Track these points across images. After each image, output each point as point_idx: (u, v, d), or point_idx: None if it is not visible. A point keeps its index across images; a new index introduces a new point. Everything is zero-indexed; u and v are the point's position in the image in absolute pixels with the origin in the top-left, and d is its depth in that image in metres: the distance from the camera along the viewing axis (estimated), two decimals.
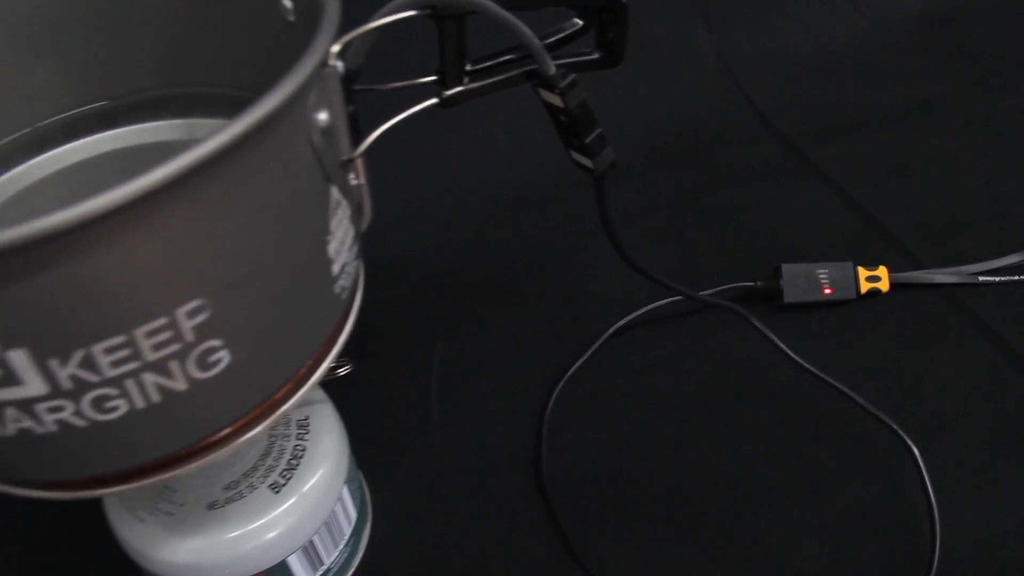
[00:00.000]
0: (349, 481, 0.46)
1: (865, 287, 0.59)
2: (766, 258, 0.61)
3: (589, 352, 0.56)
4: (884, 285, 0.60)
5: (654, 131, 0.73)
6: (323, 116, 0.29)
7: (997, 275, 0.62)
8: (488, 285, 0.63)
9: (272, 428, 0.37)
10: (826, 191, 0.68)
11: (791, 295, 0.58)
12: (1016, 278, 0.62)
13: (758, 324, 0.51)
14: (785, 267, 0.58)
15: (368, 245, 0.67)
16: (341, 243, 0.32)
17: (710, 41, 0.80)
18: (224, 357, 0.29)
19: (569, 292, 0.61)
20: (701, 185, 0.69)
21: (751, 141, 0.72)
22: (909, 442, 0.48)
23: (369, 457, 0.52)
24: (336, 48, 0.30)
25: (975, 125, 0.75)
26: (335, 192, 0.31)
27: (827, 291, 0.58)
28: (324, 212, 0.31)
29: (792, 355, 0.51)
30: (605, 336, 0.57)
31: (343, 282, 0.33)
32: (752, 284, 0.58)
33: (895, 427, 0.48)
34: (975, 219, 0.66)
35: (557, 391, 0.55)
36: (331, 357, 0.34)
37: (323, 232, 0.31)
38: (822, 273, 0.58)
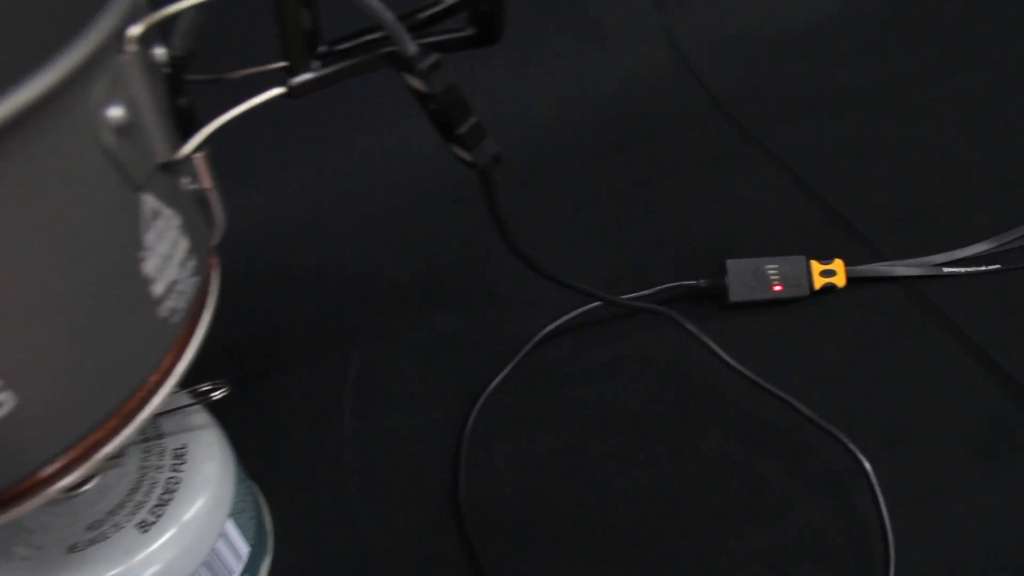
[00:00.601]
0: (237, 513, 0.41)
1: (819, 282, 0.55)
2: (714, 253, 0.57)
3: (514, 362, 0.52)
4: (840, 280, 0.55)
5: (597, 118, 0.69)
6: (117, 112, 0.24)
7: (964, 266, 0.58)
8: (411, 289, 0.58)
9: (113, 464, 0.32)
10: (781, 179, 0.63)
11: (737, 294, 0.53)
12: (984, 268, 0.57)
13: (692, 328, 0.46)
14: (730, 263, 0.54)
15: (279, 252, 0.63)
16: (165, 259, 0.28)
17: (659, 20, 0.75)
18: (8, 399, 0.24)
19: (497, 295, 0.57)
20: (646, 175, 0.64)
21: (701, 127, 0.68)
22: (861, 457, 0.44)
23: (273, 482, 0.48)
24: (137, 31, 0.25)
25: (943, 104, 0.70)
26: (150, 200, 0.27)
27: (777, 288, 0.54)
28: (132, 225, 0.26)
29: (731, 362, 0.46)
30: (531, 344, 0.52)
31: (172, 303, 0.28)
32: (695, 283, 0.54)
33: (845, 440, 0.44)
34: (941, 205, 0.62)
35: (479, 405, 0.51)
36: (169, 386, 0.30)
37: (133, 248, 0.26)
38: (771, 268, 0.54)
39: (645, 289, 0.54)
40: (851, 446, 0.44)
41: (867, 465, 0.44)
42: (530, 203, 0.63)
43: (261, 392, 0.53)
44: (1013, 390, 0.51)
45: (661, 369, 0.52)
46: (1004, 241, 0.60)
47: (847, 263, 0.57)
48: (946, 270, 0.57)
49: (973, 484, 0.46)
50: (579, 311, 0.53)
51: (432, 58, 0.30)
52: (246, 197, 0.63)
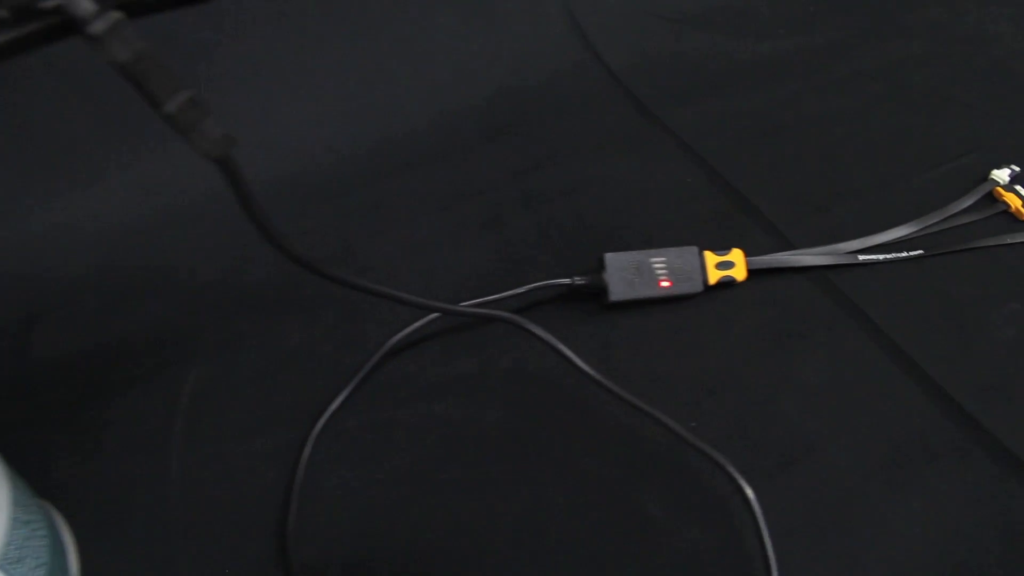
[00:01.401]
0: (11, 563, 0.34)
1: (715, 276, 0.48)
2: (602, 246, 0.49)
3: (356, 379, 0.45)
4: (739, 272, 0.48)
5: (486, 100, 0.62)
6: None
7: (882, 252, 0.51)
8: (260, 296, 0.51)
9: None
10: (682, 161, 0.57)
11: (617, 292, 0.46)
12: (906, 255, 0.51)
13: (544, 336, 0.39)
14: (609, 257, 0.47)
15: (117, 258, 0.56)
16: None
17: None
18: None
19: (352, 300, 0.49)
20: (533, 161, 0.57)
21: (599, 107, 0.61)
22: (742, 482, 0.37)
23: (88, 519, 0.41)
24: None
25: (865, 77, 0.64)
26: None
27: (665, 284, 0.47)
28: None
29: (592, 373, 0.39)
30: (376, 358, 0.45)
31: None
32: (569, 281, 0.47)
33: (723, 463, 0.37)
34: (859, 187, 0.55)
35: (317, 428, 0.43)
36: None
37: None
38: (658, 262, 0.47)
39: (518, 288, 0.47)
40: (730, 469, 0.37)
41: (749, 492, 0.37)
42: (401, 196, 0.56)
43: (87, 416, 0.46)
44: (934, 395, 0.44)
45: (526, 381, 0.45)
46: (928, 224, 0.53)
47: (748, 253, 0.49)
48: (862, 258, 0.50)
49: (879, 507, 0.39)
50: (422, 321, 0.46)
51: (111, 19, 0.23)
52: (83, 199, 0.56)
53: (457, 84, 0.63)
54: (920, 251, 0.51)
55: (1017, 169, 0.56)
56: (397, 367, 0.46)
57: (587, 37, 0.65)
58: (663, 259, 0.47)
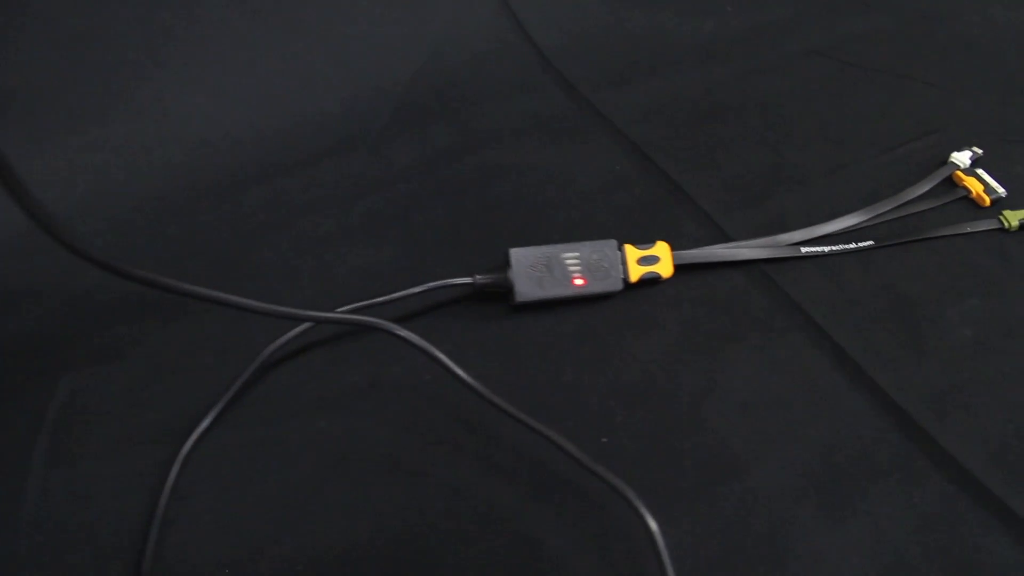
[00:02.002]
0: None
1: (637, 272, 0.42)
2: (517, 239, 0.44)
3: (231, 392, 0.39)
4: (665, 268, 0.43)
5: (404, 85, 0.57)
6: None
7: (827, 244, 0.45)
8: (140, 301, 0.45)
9: None
10: (611, 147, 0.51)
11: (525, 291, 0.41)
12: (854, 246, 0.45)
13: (421, 345, 0.34)
14: (515, 253, 0.41)
15: None
16: None
17: None
18: None
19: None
20: (452, 149, 0.52)
21: (525, 90, 0.55)
22: (644, 513, 0.31)
23: None
24: None
25: (816, 56, 0.58)
26: None
27: (579, 282, 0.41)
28: None
29: (480, 389, 0.34)
30: (252, 368, 0.39)
31: None
32: (470, 280, 0.41)
33: (622, 490, 0.31)
34: (805, 173, 0.50)
35: (187, 447, 0.38)
36: None
37: None
38: (571, 258, 0.41)
39: (417, 287, 0.41)
40: (631, 497, 0.31)
41: (652, 524, 0.31)
42: (305, 188, 0.51)
43: None
44: (881, 404, 0.38)
45: (419, 394, 0.39)
46: (880, 212, 0.48)
47: (677, 246, 0.44)
48: (805, 251, 0.45)
49: (812, 535, 0.35)
50: (299, 329, 0.40)
51: None
52: None
53: (374, 68, 0.57)
54: (870, 242, 0.46)
55: (979, 151, 0.50)
56: (280, 379, 0.41)
57: (517, 16, 0.60)
58: (576, 254, 0.42)
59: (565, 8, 0.60)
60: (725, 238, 0.46)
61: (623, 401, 0.39)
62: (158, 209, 0.50)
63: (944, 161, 0.51)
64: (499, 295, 0.43)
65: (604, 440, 0.38)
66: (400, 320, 0.43)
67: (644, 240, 0.44)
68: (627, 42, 0.59)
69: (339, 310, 0.40)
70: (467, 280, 0.42)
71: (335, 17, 0.58)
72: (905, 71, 0.57)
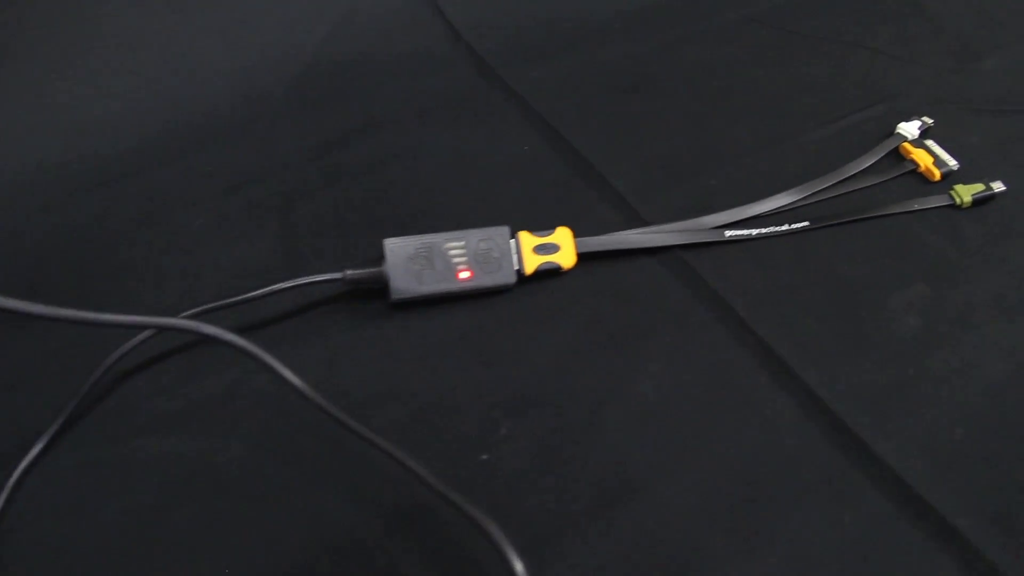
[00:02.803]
0: None
1: (533, 263, 0.36)
2: (405, 229, 0.38)
3: (68, 409, 0.33)
4: (566, 257, 0.37)
5: (302, 67, 0.51)
6: None
7: (756, 226, 0.39)
8: None
9: None
10: (521, 126, 0.46)
11: (402, 287, 0.35)
12: (786, 228, 0.39)
13: (254, 352, 0.28)
14: (391, 244, 0.35)
15: None
16: None
17: None
18: None
19: (108, 300, 0.38)
20: (346, 133, 0.47)
21: (434, 67, 0.50)
22: (508, 552, 0.25)
23: None
24: None
25: (754, 23, 0.52)
26: None
27: (465, 275, 0.35)
28: None
29: (321, 402, 0.28)
30: (91, 381, 0.34)
31: None
32: (340, 275, 0.35)
33: (484, 524, 0.25)
34: (735, 148, 0.44)
35: (18, 472, 0.32)
36: None
37: None
38: (455, 248, 0.35)
39: (276, 285, 0.36)
40: (493, 533, 0.25)
41: (517, 567, 0.25)
42: (185, 180, 0.45)
43: None
44: (810, 407, 0.33)
45: (280, 407, 0.34)
46: (817, 189, 0.42)
47: (586, 232, 0.38)
48: (729, 234, 0.39)
49: (724, 563, 0.29)
50: (141, 337, 0.34)
51: None
52: None
53: (269, 48, 0.51)
54: (805, 223, 0.40)
55: (929, 122, 0.45)
56: (130, 391, 0.35)
57: None
58: (462, 243, 0.36)
59: None
60: (641, 222, 0.40)
61: (510, 411, 0.33)
62: (25, 204, 0.44)
63: (891, 133, 0.45)
64: (378, 292, 0.37)
65: (484, 457, 0.32)
66: (270, 321, 0.38)
67: (547, 226, 0.38)
68: (548, 14, 0.53)
69: (184, 314, 0.34)
70: (336, 275, 0.36)
71: (228, 3, 0.52)
72: (852, 38, 0.51)
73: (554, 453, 0.32)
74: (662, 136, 0.45)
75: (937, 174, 0.43)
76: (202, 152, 0.47)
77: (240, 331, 0.37)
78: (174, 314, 0.36)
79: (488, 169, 0.44)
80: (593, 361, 0.35)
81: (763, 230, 0.40)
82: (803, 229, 0.40)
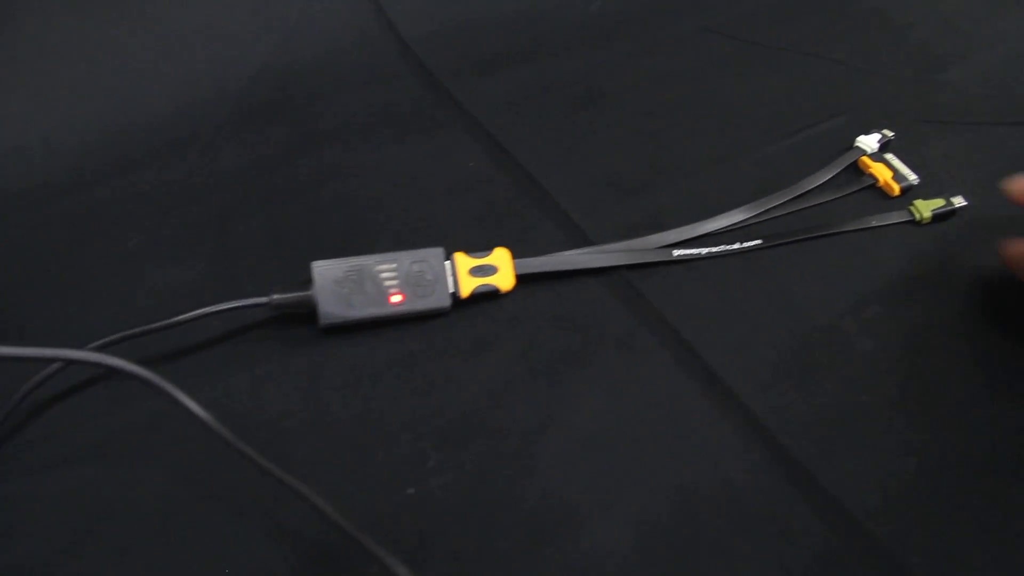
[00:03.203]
0: None
1: (469, 285, 0.35)
2: (341, 250, 0.36)
3: None
4: (504, 279, 0.35)
5: (248, 81, 0.50)
6: None
7: (705, 246, 0.37)
8: None
9: None
10: (467, 142, 0.44)
11: (330, 312, 0.33)
12: (738, 247, 0.37)
13: (157, 381, 0.26)
14: (319, 267, 0.34)
15: None
16: None
17: None
18: None
19: (34, 323, 0.36)
20: (288, 149, 0.45)
21: (382, 82, 0.48)
22: None
23: None
24: None
25: (712, 34, 0.51)
26: None
27: (396, 299, 0.33)
28: None
29: (225, 435, 0.26)
30: (9, 407, 0.32)
31: None
32: (266, 300, 0.33)
33: (391, 564, 0.24)
34: (689, 163, 0.43)
35: None
36: None
37: None
38: (387, 271, 0.33)
39: (203, 308, 0.34)
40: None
41: None
42: (122, 198, 0.44)
43: None
44: (755, 437, 0.31)
45: (202, 437, 0.31)
46: (772, 206, 0.40)
47: (527, 252, 0.36)
48: (677, 253, 0.37)
49: None
50: (49, 371, 0.33)
51: None
52: None
53: (215, 62, 0.50)
54: (757, 241, 0.38)
55: (889, 135, 0.43)
56: (48, 422, 0.33)
57: (380, 3, 0.52)
58: (394, 266, 0.34)
59: None
60: (586, 241, 0.38)
61: (440, 441, 0.32)
62: None
63: (849, 146, 0.43)
64: (308, 316, 0.35)
65: (411, 491, 0.30)
66: (198, 347, 0.36)
67: (489, 246, 0.36)
68: (501, 27, 0.51)
69: (108, 339, 0.33)
70: (262, 300, 0.34)
71: (173, 6, 0.50)
72: (811, 48, 0.50)
73: (484, 487, 0.30)
74: (612, 151, 0.43)
75: (896, 189, 0.41)
76: (141, 169, 0.45)
77: (166, 357, 0.36)
78: (103, 337, 0.34)
79: (432, 187, 0.42)
80: (529, 389, 0.33)
81: (713, 249, 0.38)
82: (755, 248, 0.38)
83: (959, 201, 0.40)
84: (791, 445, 0.32)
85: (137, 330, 0.33)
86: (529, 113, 0.45)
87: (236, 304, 0.34)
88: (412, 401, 0.33)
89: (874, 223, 0.40)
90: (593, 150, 0.43)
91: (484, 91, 0.47)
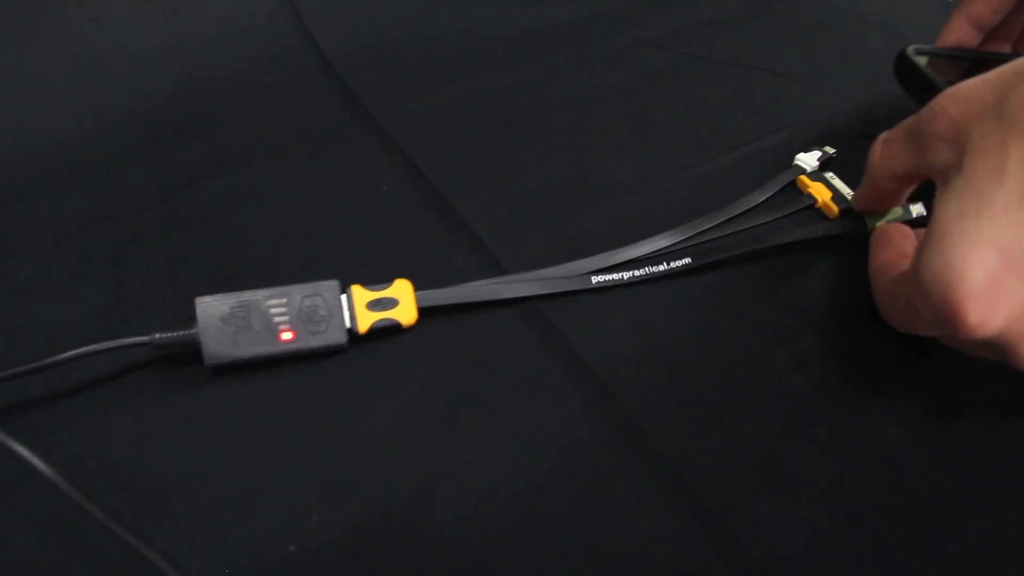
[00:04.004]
0: None
1: (367, 320, 0.32)
2: (238, 282, 0.35)
3: None
4: (406, 313, 0.33)
5: (160, 101, 0.48)
6: None
7: (628, 270, 0.35)
8: None
9: None
10: (382, 164, 0.42)
11: (215, 352, 0.31)
12: (663, 268, 0.35)
13: None
14: (203, 304, 0.32)
15: None
16: None
17: None
18: None
19: None
20: (194, 173, 0.43)
21: (298, 101, 0.46)
22: None
23: None
24: None
25: (649, 46, 0.49)
26: None
27: (287, 336, 0.31)
28: None
29: (64, 488, 0.24)
30: None
31: None
32: (148, 339, 0.31)
33: None
34: (615, 183, 0.41)
35: None
36: None
37: None
38: (276, 306, 0.31)
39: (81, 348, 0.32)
40: None
41: None
42: (16, 229, 0.41)
43: None
44: (671, 489, 0.29)
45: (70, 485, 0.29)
46: (701, 229, 0.38)
47: (434, 283, 0.34)
48: (596, 280, 0.35)
49: None
50: None
51: None
52: None
53: (125, 82, 0.47)
54: (686, 260, 0.36)
55: (831, 151, 0.41)
56: None
57: (302, 16, 0.50)
58: (284, 301, 0.32)
59: (358, 6, 0.51)
60: (498, 270, 0.36)
61: (326, 493, 0.29)
62: None
63: (789, 164, 0.41)
64: (196, 355, 0.32)
65: (291, 548, 0.28)
66: (78, 389, 0.34)
67: (396, 277, 0.34)
68: (429, 42, 0.49)
69: None
70: (143, 339, 0.32)
71: (80, 24, 0.48)
72: (752, 60, 0.48)
73: (370, 545, 0.28)
74: (535, 172, 0.41)
75: (835, 210, 0.40)
76: (38, 196, 0.43)
77: (44, 400, 0.33)
78: None
79: (341, 212, 0.40)
80: (427, 434, 0.31)
81: (636, 273, 0.36)
82: (684, 269, 0.36)
83: (918, 210, 0.38)
84: (708, 498, 0.29)
85: (25, 367, 0.31)
86: (451, 132, 0.43)
87: (116, 344, 0.32)
88: (299, 447, 0.31)
89: (821, 231, 0.38)
90: (515, 171, 0.41)
91: (405, 109, 0.45)
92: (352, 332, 0.33)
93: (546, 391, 0.32)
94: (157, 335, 0.32)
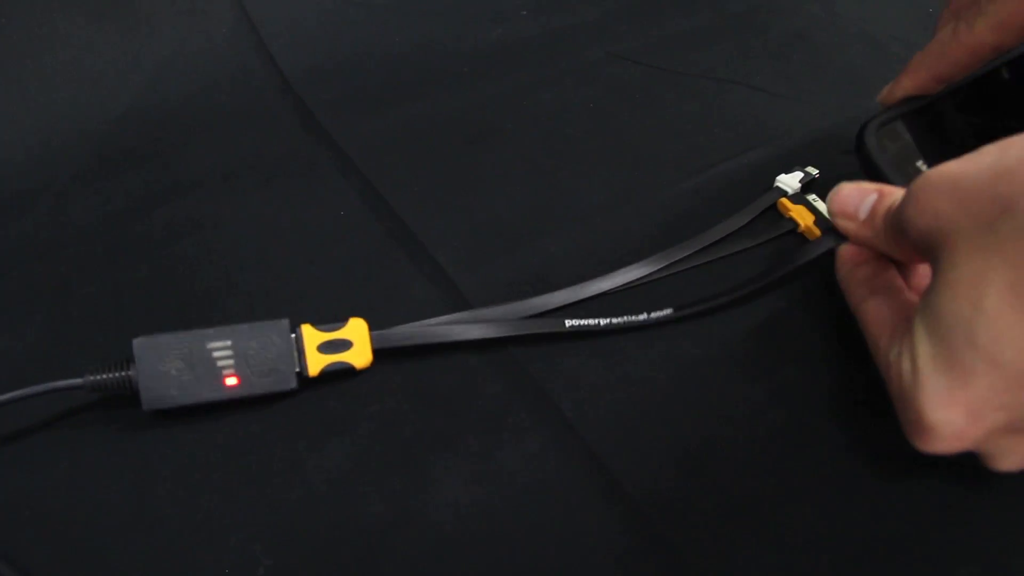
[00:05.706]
0: None
1: (318, 363, 0.31)
2: (183, 319, 0.35)
3: None
4: (360, 355, 0.32)
5: (111, 124, 0.46)
6: None
7: (604, 316, 0.34)
8: None
9: None
10: (341, 188, 0.41)
11: (153, 397, 0.30)
12: (644, 318, 0.34)
13: None
14: (140, 344, 0.30)
15: None
16: None
17: None
18: None
19: None
20: (144, 199, 0.42)
21: (255, 123, 0.45)
22: None
23: None
24: None
25: (622, 61, 0.48)
26: None
27: (231, 381, 0.30)
28: None
29: None
30: None
31: None
32: (79, 382, 0.29)
33: None
34: (588, 206, 0.40)
35: None
36: None
37: None
38: (220, 348, 0.30)
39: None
40: None
41: None
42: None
43: None
44: (644, 534, 0.28)
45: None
46: (676, 259, 0.36)
47: (396, 317, 0.33)
48: (570, 323, 0.33)
49: None
50: None
51: None
52: None
53: (76, 106, 0.46)
54: (668, 310, 0.34)
55: (813, 172, 0.40)
56: None
57: (261, 36, 0.49)
58: (228, 343, 0.30)
59: (320, 24, 0.50)
60: (461, 301, 0.35)
61: (275, 543, 0.28)
62: None
63: (769, 186, 0.40)
64: (134, 398, 0.31)
65: None
66: (16, 434, 0.32)
67: (350, 311, 0.33)
68: (391, 61, 0.48)
69: None
70: (76, 382, 0.30)
71: (29, 45, 0.47)
72: (728, 74, 0.47)
73: None
74: (500, 195, 0.40)
75: (818, 234, 0.38)
76: None
77: None
78: None
79: (295, 239, 0.39)
80: (381, 480, 0.30)
81: (615, 320, 0.34)
82: (665, 319, 0.35)
83: None
84: (681, 544, 0.28)
85: None
86: (412, 154, 0.42)
87: (52, 386, 0.31)
88: (246, 494, 0.30)
89: (789, 264, 0.37)
90: (479, 194, 0.40)
91: (366, 130, 0.44)
92: (302, 376, 0.32)
93: (508, 430, 0.31)
94: (89, 377, 0.31)
